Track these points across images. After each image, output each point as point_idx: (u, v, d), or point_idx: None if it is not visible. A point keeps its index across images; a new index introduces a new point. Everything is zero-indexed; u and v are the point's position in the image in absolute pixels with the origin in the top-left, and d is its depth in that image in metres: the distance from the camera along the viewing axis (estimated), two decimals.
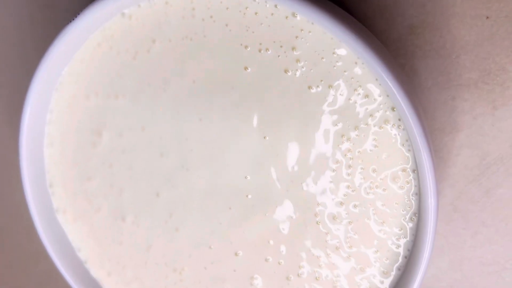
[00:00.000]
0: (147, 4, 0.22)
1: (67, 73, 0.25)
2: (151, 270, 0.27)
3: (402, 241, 0.23)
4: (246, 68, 0.22)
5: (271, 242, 0.25)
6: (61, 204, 0.27)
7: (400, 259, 0.23)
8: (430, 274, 0.29)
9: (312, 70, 0.21)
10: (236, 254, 0.25)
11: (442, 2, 0.24)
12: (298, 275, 0.25)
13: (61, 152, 0.26)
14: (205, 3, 0.22)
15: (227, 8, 0.21)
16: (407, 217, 0.22)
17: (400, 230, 0.23)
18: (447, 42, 0.25)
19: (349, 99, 0.21)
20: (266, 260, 0.25)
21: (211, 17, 0.22)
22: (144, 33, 0.23)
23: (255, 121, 0.23)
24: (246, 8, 0.21)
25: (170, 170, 0.25)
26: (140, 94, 0.24)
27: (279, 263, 0.25)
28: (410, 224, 0.22)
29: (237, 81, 0.22)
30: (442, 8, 0.24)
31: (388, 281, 0.24)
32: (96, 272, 0.28)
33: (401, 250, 0.23)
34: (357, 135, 0.22)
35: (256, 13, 0.21)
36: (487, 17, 0.24)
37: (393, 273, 0.23)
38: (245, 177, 0.24)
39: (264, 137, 0.23)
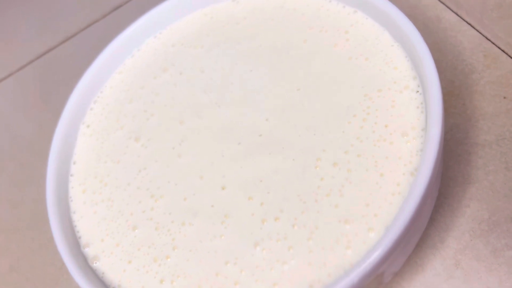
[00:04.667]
0: None
1: (171, 28, 0.32)
2: (129, 193, 0.26)
3: (397, 198, 0.22)
4: (305, 41, 0.28)
5: (264, 181, 0.24)
6: (91, 119, 0.30)
7: (391, 218, 0.21)
8: None
9: (356, 47, 0.27)
10: (222, 188, 0.25)
11: (467, 81, 0.30)
12: (275, 219, 0.23)
13: (123, 79, 0.31)
14: (295, 1, 0.30)
15: (308, 5, 0.29)
16: (408, 172, 0.22)
17: (397, 186, 0.22)
18: (468, 109, 0.29)
19: (380, 69, 0.25)
20: (250, 198, 0.24)
21: (295, 9, 0.29)
22: (242, 13, 0.31)
23: (295, 76, 0.27)
24: (322, 6, 0.29)
25: (204, 104, 0.28)
26: (214, 47, 0.30)
27: (261, 204, 0.23)
28: (410, 179, 0.22)
29: (295, 49, 0.28)
30: (467, 85, 0.29)
31: (372, 239, 0.21)
32: (74, 187, 0.27)
33: (393, 208, 0.21)
34: (378, 96, 0.25)
35: (327, 9, 0.29)
36: (504, 97, 0.28)
37: (381, 231, 0.21)
38: (266, 119, 0.26)
39: (298, 89, 0.26)
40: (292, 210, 0.23)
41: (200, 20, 0.31)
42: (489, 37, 0.31)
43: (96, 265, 0.24)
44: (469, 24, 0.31)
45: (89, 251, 0.25)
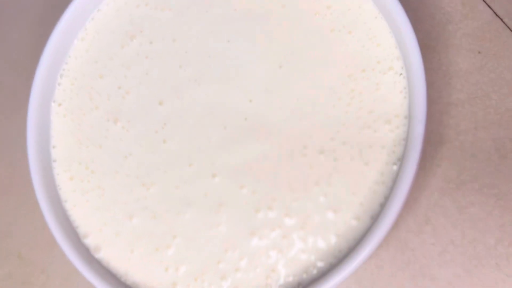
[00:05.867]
0: None
1: None
2: (119, 181, 0.26)
3: (381, 187, 0.23)
4: (283, 6, 0.26)
5: (253, 169, 0.25)
6: (61, 96, 0.28)
7: (375, 206, 0.23)
8: None
9: (338, 17, 0.25)
10: (213, 176, 0.25)
11: (444, 33, 0.29)
12: (268, 208, 0.24)
13: (87, 48, 0.28)
14: None
15: None
16: (391, 162, 0.23)
17: (381, 175, 0.23)
18: (443, 65, 0.29)
19: (363, 45, 0.25)
20: (242, 187, 0.25)
21: None
22: None
23: (276, 51, 0.26)
24: None
25: (182, 82, 0.27)
26: (185, 10, 0.27)
27: (253, 193, 0.25)
28: (393, 169, 0.23)
29: (272, 15, 0.26)
30: (444, 37, 0.29)
31: (359, 227, 0.23)
32: (60, 174, 0.27)
33: (377, 196, 0.23)
34: (362, 77, 0.24)
35: None
36: (479, 52, 0.29)
37: (366, 220, 0.23)
38: (250, 101, 0.26)
39: (280, 66, 0.26)
40: (283, 199, 0.24)
41: None
42: None
43: (100, 255, 0.26)
44: None
45: (89, 242, 0.26)
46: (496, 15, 0.29)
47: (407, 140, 0.23)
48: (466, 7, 0.29)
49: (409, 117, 0.23)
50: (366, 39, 0.25)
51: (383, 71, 0.24)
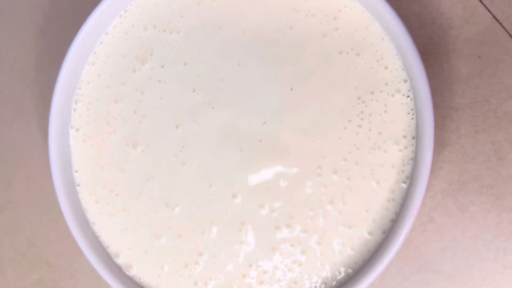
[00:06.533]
0: None
1: (135, 4, 0.28)
2: (143, 203, 0.28)
3: (391, 204, 0.25)
4: (291, 28, 0.27)
5: (271, 189, 0.26)
6: (78, 122, 0.29)
7: (387, 222, 0.25)
8: (398, 282, 0.30)
9: (346, 39, 0.26)
10: (233, 196, 0.27)
11: (446, 39, 0.30)
12: (287, 226, 0.26)
13: (99, 72, 0.29)
14: None
15: None
16: (400, 180, 0.25)
17: (392, 193, 0.25)
18: (445, 70, 0.30)
19: (371, 67, 0.26)
20: (261, 206, 0.26)
21: None
22: None
23: (287, 74, 0.27)
24: None
25: (197, 106, 0.28)
26: (193, 33, 0.28)
27: (272, 211, 0.26)
28: (402, 187, 0.25)
29: (281, 37, 0.27)
30: (445, 43, 0.30)
31: (372, 241, 0.25)
32: (84, 197, 0.29)
33: (389, 213, 0.25)
34: (371, 99, 0.26)
35: None
36: (479, 57, 0.30)
37: (378, 235, 0.25)
38: (263, 123, 0.27)
39: (291, 89, 0.27)
40: (301, 217, 0.26)
41: None
42: None
43: (132, 273, 0.28)
44: None
45: (121, 261, 0.28)
46: (496, 19, 0.30)
47: (415, 159, 0.25)
48: (466, 12, 0.30)
49: (417, 138, 0.25)
50: (374, 61, 0.26)
51: (391, 93, 0.25)
